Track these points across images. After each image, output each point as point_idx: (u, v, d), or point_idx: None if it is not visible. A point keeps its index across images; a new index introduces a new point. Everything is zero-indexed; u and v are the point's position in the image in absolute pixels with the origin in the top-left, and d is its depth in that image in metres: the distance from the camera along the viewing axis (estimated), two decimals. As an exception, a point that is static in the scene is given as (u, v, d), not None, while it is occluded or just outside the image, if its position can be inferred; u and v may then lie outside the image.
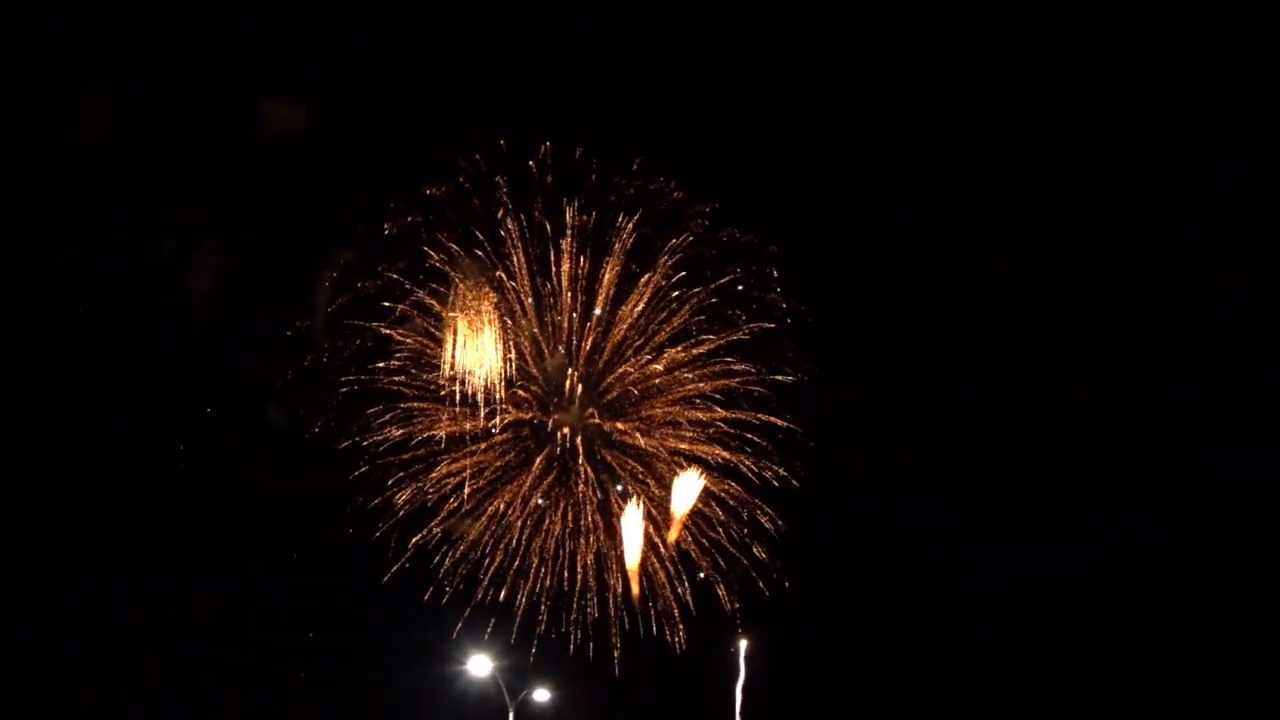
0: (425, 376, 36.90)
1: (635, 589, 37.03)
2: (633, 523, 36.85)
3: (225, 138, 36.44)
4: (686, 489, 36.77)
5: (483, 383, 36.43)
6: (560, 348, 37.69)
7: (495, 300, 36.88)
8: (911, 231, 39.09)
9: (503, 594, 36.94)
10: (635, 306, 37.49)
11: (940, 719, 38.76)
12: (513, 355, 37.03)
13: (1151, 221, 37.92)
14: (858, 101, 39.00)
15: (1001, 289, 38.75)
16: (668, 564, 37.57)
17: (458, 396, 36.44)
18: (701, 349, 37.57)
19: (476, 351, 36.41)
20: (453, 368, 36.25)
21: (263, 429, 36.74)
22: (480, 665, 35.73)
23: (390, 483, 36.51)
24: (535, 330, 37.56)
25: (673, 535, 37.10)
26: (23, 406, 35.43)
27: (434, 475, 36.87)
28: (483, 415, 36.64)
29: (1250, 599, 36.53)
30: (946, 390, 38.38)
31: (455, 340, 36.31)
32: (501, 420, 37.07)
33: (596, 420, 37.86)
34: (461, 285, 36.64)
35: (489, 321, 36.66)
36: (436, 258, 36.67)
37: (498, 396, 36.67)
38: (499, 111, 37.03)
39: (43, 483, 35.42)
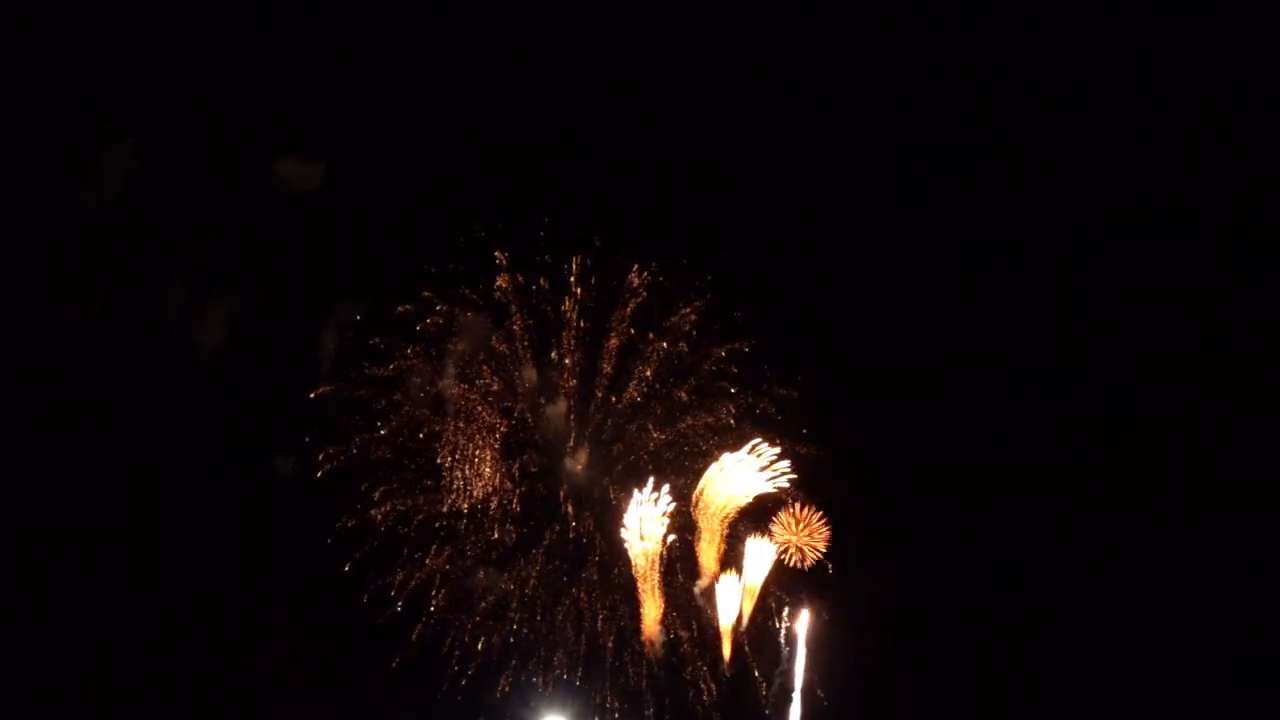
0: (425, 448, 36.42)
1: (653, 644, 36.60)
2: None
3: (240, 191, 36.25)
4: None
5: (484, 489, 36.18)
6: (563, 398, 37.09)
7: (493, 369, 36.51)
8: (911, 232, 39.12)
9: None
10: (638, 378, 37.03)
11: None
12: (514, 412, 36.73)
13: (1151, 221, 37.96)
14: (856, 101, 39.01)
15: (1001, 289, 38.75)
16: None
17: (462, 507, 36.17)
18: (712, 418, 37.11)
19: (474, 463, 36.05)
20: (452, 487, 36.00)
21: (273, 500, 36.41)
22: None
23: (402, 560, 36.05)
24: (540, 398, 37.03)
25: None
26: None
27: (432, 560, 36.30)
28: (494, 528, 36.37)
29: (1250, 599, 36.58)
30: (946, 390, 38.38)
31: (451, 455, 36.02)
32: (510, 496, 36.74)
33: (611, 495, 37.25)
34: (460, 349, 36.31)
35: (487, 426, 36.17)
36: (436, 320, 36.29)
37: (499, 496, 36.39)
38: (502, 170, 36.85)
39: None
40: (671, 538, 36.41)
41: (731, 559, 36.94)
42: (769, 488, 36.61)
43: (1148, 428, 37.69)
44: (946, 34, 38.00)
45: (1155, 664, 36.79)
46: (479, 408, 36.52)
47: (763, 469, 36.35)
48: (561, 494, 37.11)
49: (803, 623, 36.75)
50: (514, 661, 36.28)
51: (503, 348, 36.69)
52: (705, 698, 36.72)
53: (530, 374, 36.86)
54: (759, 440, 36.34)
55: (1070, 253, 38.50)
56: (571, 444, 37.10)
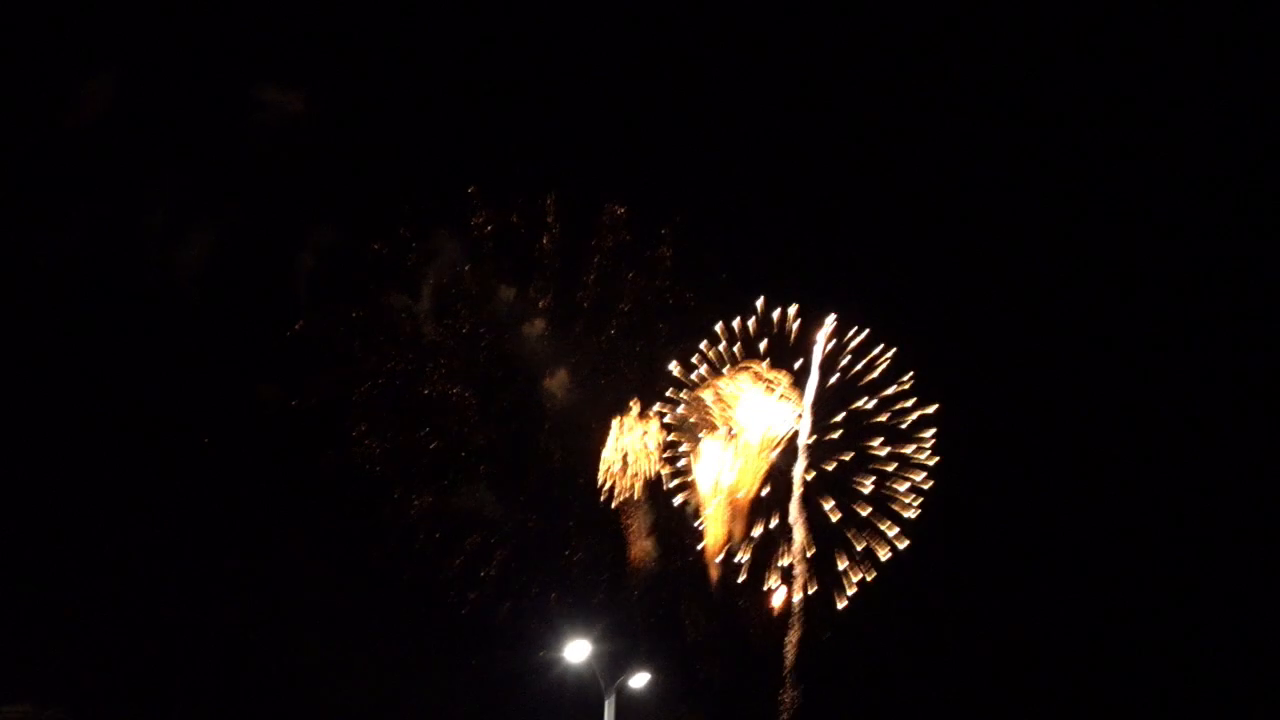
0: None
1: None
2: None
3: (221, 121, 36.23)
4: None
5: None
6: (540, 323, 36.87)
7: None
8: (911, 231, 39.28)
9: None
10: (615, 311, 36.96)
11: (942, 718, 38.79)
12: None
13: (1152, 221, 38.07)
14: (856, 100, 39.20)
15: (1001, 289, 38.83)
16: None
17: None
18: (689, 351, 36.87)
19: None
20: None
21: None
22: (578, 651, 33.83)
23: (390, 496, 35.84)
24: (518, 324, 36.78)
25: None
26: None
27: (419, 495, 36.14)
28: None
29: (1250, 599, 36.64)
30: (946, 390, 38.40)
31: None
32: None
33: (592, 427, 36.90)
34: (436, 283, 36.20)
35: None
36: (413, 256, 36.29)
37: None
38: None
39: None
40: (662, 470, 36.24)
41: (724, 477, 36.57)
42: (768, 406, 36.20)
43: (1148, 427, 37.79)
44: (946, 34, 38.19)
45: (1155, 663, 36.88)
46: (456, 340, 36.45)
47: (748, 390, 35.97)
48: (545, 428, 36.96)
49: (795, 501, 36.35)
50: (508, 604, 36.31)
51: (474, 287, 36.61)
52: (693, 628, 36.82)
53: (508, 294, 36.66)
54: (755, 363, 35.98)
55: (1070, 252, 38.63)
56: (550, 376, 36.89)
